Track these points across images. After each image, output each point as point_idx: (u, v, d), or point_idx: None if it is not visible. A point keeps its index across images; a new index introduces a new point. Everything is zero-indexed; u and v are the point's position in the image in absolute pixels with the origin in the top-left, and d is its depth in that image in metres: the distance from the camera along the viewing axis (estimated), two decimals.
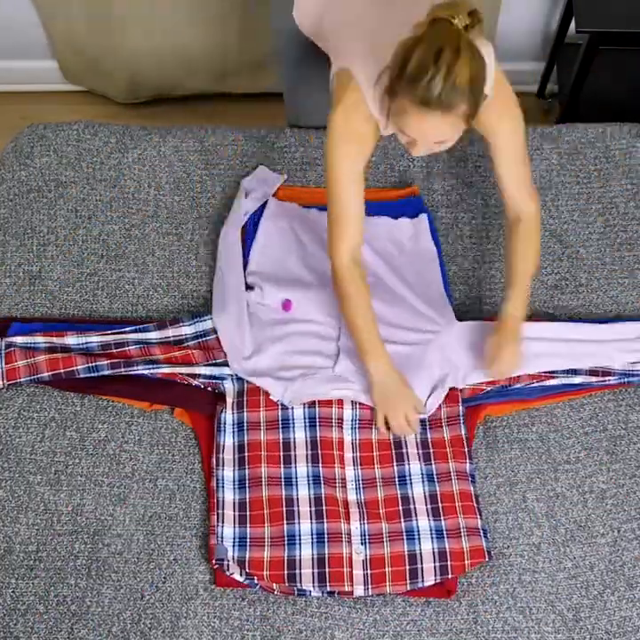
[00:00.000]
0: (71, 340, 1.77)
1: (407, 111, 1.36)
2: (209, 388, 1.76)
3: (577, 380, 1.74)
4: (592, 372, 1.75)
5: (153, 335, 1.80)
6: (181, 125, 2.17)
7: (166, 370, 1.73)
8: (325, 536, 1.58)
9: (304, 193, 2.05)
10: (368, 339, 1.66)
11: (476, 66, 1.31)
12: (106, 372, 1.72)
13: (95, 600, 1.54)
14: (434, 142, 1.42)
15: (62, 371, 1.72)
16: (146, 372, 1.72)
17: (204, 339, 1.80)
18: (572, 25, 2.54)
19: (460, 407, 1.72)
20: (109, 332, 1.79)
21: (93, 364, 1.72)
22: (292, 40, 1.87)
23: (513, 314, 1.70)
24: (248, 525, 1.60)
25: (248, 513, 1.62)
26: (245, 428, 1.70)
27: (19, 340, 1.77)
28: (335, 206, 1.60)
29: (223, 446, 1.68)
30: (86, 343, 1.77)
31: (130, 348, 1.76)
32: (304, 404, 1.70)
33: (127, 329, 1.80)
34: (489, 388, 1.74)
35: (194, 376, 1.74)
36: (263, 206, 2.00)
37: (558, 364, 1.76)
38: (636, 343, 1.79)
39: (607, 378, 1.74)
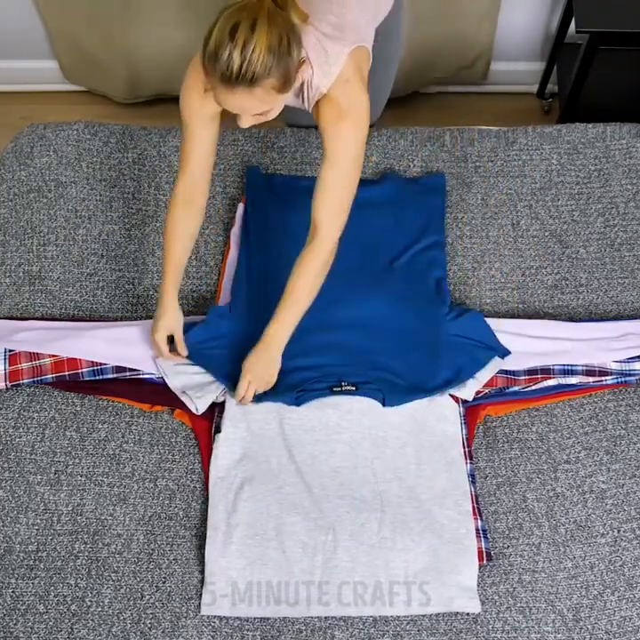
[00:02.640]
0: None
1: (216, 88, 1.35)
2: None
3: (573, 380, 1.74)
4: (589, 373, 1.74)
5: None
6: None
7: None
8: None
9: None
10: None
11: (276, 35, 1.29)
12: (110, 376, 1.73)
13: (95, 600, 1.54)
14: (253, 114, 1.40)
15: (67, 373, 1.72)
16: (150, 376, 1.73)
17: None
18: (572, 25, 2.53)
19: (460, 407, 1.72)
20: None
21: (98, 367, 1.73)
22: None
23: (267, 332, 1.64)
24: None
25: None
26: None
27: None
28: (183, 143, 1.61)
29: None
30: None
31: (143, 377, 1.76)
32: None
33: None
34: (487, 391, 1.74)
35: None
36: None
37: (539, 360, 1.75)
38: (618, 342, 1.78)
39: (604, 378, 1.74)
